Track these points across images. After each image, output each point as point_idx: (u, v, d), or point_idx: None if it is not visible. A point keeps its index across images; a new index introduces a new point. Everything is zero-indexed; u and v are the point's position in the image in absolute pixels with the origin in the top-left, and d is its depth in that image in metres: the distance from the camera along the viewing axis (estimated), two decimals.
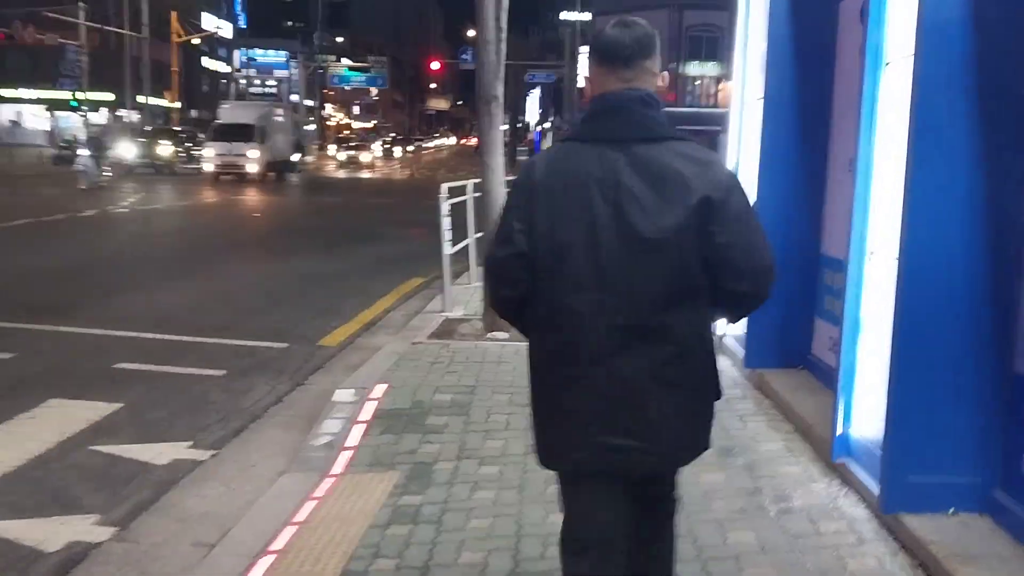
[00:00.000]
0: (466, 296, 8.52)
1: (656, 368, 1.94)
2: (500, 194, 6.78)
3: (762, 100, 5.04)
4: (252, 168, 28.92)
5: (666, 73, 2.09)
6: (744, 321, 5.33)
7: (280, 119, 33.87)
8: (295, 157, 39.68)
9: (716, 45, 53.73)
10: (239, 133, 28.94)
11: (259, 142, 29.34)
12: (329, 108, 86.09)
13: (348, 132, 70.30)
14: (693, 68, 54.16)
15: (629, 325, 1.93)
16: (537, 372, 2.09)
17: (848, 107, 4.64)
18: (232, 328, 7.46)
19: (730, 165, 5.86)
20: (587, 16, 55.23)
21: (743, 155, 5.65)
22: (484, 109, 6.77)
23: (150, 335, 7.11)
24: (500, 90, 6.76)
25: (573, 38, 52.20)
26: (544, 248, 1.97)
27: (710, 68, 54.47)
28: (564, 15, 59.42)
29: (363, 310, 8.52)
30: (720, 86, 54.68)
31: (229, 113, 32.32)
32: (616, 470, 2.00)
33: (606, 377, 1.95)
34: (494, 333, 6.75)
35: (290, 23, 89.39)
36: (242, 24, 70.58)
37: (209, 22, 63.75)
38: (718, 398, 2.09)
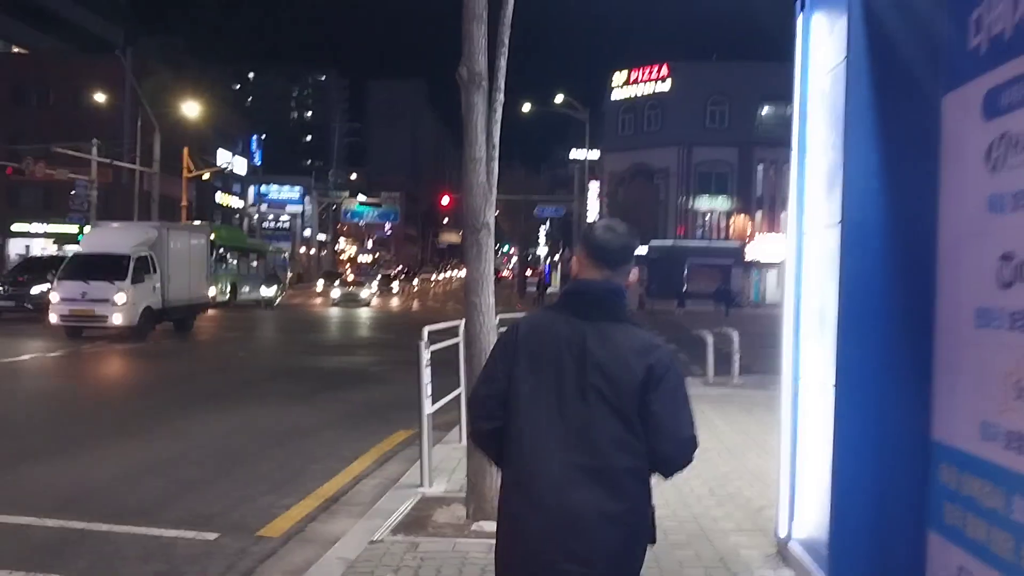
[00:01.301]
0: (451, 461, 7.03)
1: (601, 504, 2.27)
2: (490, 340, 5.44)
3: (838, 226, 3.72)
4: (117, 319, 19.13)
5: (636, 270, 2.84)
6: (824, 529, 3.83)
7: (189, 244, 23.43)
8: (269, 291, 36.42)
9: (725, 180, 53.85)
10: (104, 268, 19.43)
11: (134, 281, 19.50)
12: (343, 242, 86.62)
13: (346, 266, 67.84)
14: (703, 203, 54.06)
15: (581, 464, 2.29)
16: (505, 499, 2.42)
17: (967, 234, 3.30)
18: (156, 510, 5.96)
19: (788, 306, 4.50)
20: (595, 154, 55.76)
21: (806, 296, 4.28)
22: (471, 239, 5.49)
23: (47, 522, 5.60)
24: (491, 217, 5.51)
25: (582, 174, 52.40)
26: (519, 392, 2.37)
27: (720, 202, 54.37)
28: (574, 153, 60.16)
29: (329, 479, 7.02)
30: (731, 220, 54.47)
31: (94, 239, 21.74)
32: None
33: (559, 508, 2.28)
34: (480, 524, 5.22)
35: (308, 162, 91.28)
36: (257, 161, 71.75)
37: (224, 158, 64.89)
38: (652, 543, 2.40)
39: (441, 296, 55.59)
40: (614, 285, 2.44)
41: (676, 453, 2.35)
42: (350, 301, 39.58)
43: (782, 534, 4.46)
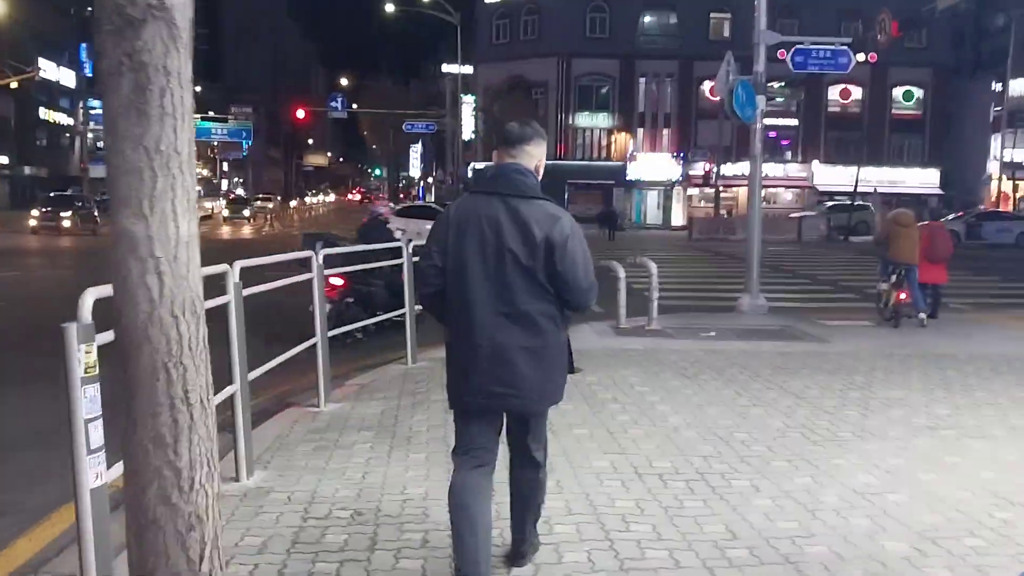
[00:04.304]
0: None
1: (521, 340, 2.95)
2: (180, 330, 1.95)
3: None
4: None
5: (543, 159, 3.16)
6: None
7: None
8: None
9: (606, 95, 50.79)
10: None
11: None
12: None
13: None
14: (583, 120, 50.96)
15: (504, 312, 2.95)
16: (449, 346, 3.09)
17: None
18: None
19: None
20: (469, 69, 51.47)
21: None
22: (114, 50, 1.92)
23: None
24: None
25: (455, 88, 48.17)
26: (452, 261, 3.00)
27: (600, 119, 51.39)
28: (446, 67, 55.67)
29: (40, 521, 3.47)
30: (612, 138, 51.65)
31: None
32: (494, 408, 3.04)
33: (489, 346, 2.95)
34: None
35: None
36: (89, 72, 63.39)
37: (51, 71, 56.60)
38: (571, 372, 3.17)
39: (297, 223, 50.57)
40: (520, 166, 3.07)
41: (580, 300, 3.03)
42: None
43: None
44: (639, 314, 10.23)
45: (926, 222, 11.50)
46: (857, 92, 49.29)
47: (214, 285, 4.23)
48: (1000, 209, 40.97)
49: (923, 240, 10.92)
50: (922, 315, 10.67)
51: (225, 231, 39.48)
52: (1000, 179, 46.03)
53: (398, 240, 8.97)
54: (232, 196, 63.17)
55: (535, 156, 3.11)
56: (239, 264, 4.56)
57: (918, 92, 49.99)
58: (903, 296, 10.60)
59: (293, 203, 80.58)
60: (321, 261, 6.08)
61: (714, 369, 7.52)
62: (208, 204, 52.38)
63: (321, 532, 3.76)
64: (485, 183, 3.08)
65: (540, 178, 3.14)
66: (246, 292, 4.62)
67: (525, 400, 2.99)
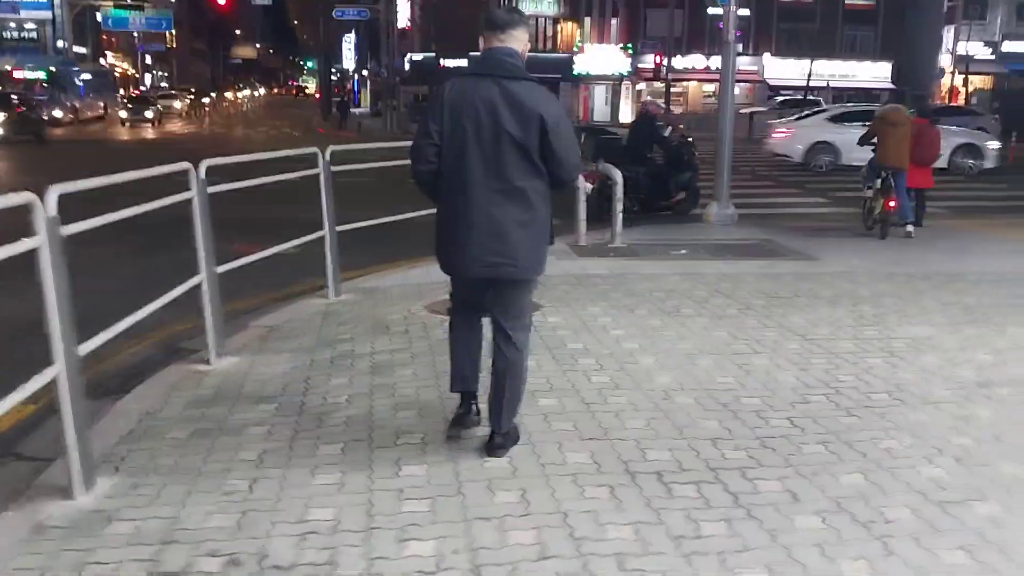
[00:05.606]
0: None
1: (514, 215, 3.24)
2: None
3: None
4: None
5: (527, 44, 3.38)
6: None
7: None
8: None
9: None
10: None
11: None
12: (111, 58, 73.86)
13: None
14: (527, 6, 48.21)
15: (499, 188, 3.22)
16: (443, 222, 3.38)
17: None
18: None
19: None
20: None
21: None
22: None
23: None
24: None
25: None
26: (448, 140, 3.25)
27: (545, 6, 48.75)
28: None
29: None
30: (558, 28, 49.13)
31: None
32: (490, 275, 3.33)
33: (487, 220, 3.24)
34: None
35: None
36: None
37: None
38: (551, 243, 3.42)
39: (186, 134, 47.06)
40: (509, 48, 3.29)
41: (568, 176, 3.34)
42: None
43: None
44: (597, 227, 8.96)
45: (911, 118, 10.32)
46: None
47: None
48: (953, 103, 40.23)
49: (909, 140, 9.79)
50: (909, 227, 9.65)
51: (123, 134, 34.04)
52: (952, 73, 45.18)
53: (664, 136, 11.53)
54: (134, 94, 51.52)
55: (521, 40, 3.35)
56: (54, 190, 3.12)
57: None
58: (892, 204, 9.51)
59: (206, 100, 68.32)
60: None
61: (695, 300, 6.34)
62: (99, 103, 45.00)
63: None
64: (477, 66, 3.33)
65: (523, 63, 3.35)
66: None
67: (519, 268, 3.31)
